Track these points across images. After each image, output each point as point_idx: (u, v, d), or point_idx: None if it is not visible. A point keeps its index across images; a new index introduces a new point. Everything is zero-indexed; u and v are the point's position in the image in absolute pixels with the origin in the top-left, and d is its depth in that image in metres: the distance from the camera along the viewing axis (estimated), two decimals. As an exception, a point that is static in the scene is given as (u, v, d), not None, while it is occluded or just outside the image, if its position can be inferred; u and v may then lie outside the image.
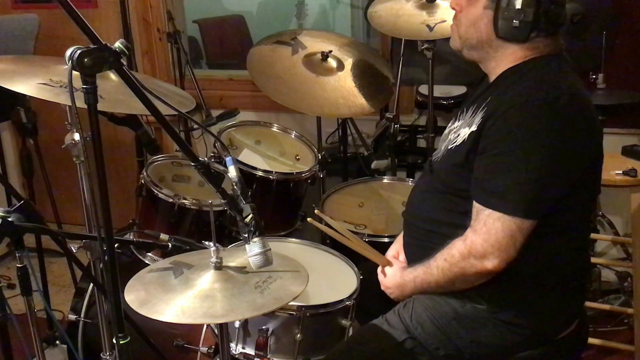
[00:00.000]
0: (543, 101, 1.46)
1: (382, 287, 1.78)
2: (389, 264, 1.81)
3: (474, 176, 1.54)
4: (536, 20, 1.52)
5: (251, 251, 1.38)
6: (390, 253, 1.90)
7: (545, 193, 1.49)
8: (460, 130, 1.64)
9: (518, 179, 1.46)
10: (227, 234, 2.30)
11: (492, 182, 1.49)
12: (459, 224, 1.61)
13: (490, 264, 1.50)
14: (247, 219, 1.38)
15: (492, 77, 1.64)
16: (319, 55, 2.62)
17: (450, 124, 1.76)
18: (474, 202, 1.53)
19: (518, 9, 1.51)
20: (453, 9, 1.66)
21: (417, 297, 1.70)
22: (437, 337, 1.62)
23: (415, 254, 1.75)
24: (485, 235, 1.49)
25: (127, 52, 1.22)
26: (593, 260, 2.73)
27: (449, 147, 1.65)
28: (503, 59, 1.60)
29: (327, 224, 1.95)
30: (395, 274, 1.75)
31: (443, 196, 1.65)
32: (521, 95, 1.49)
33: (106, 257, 1.28)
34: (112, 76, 1.72)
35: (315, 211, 2.15)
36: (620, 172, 2.47)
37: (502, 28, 1.54)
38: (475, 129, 1.56)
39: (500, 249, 1.49)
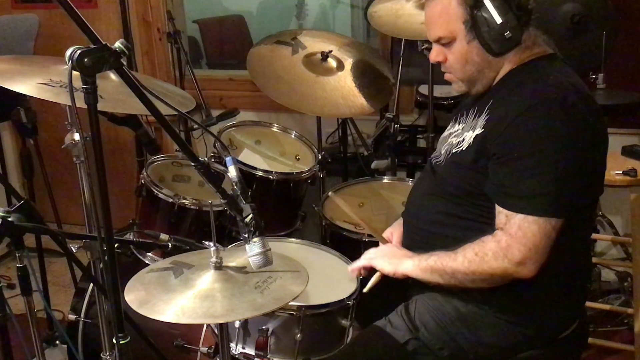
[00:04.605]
0: (553, 101, 1.47)
1: (375, 251, 1.76)
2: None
3: (494, 182, 1.53)
4: (519, 18, 1.53)
5: (251, 251, 1.38)
6: (385, 234, 1.93)
7: (570, 189, 1.49)
8: (463, 134, 1.64)
9: (544, 180, 1.47)
10: (227, 234, 2.30)
11: (518, 187, 1.49)
12: (464, 225, 1.62)
13: (527, 270, 1.50)
14: (247, 219, 1.38)
15: (493, 83, 1.64)
16: (319, 55, 2.62)
17: (449, 127, 1.76)
18: (500, 208, 1.52)
19: (501, 22, 1.51)
20: (437, 62, 1.67)
21: (419, 297, 1.70)
22: (441, 338, 1.62)
23: (417, 255, 1.75)
24: (523, 240, 1.48)
25: (127, 52, 1.22)
26: (593, 260, 2.73)
27: (453, 151, 1.65)
28: (502, 67, 1.61)
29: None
30: (400, 247, 1.75)
31: (448, 198, 1.65)
32: (529, 98, 1.50)
33: (106, 257, 1.28)
34: (112, 76, 1.71)
35: (331, 193, 2.14)
36: (620, 172, 2.47)
37: (497, 46, 1.55)
38: (481, 131, 1.56)
39: (538, 253, 1.49)
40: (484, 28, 1.53)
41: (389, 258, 1.70)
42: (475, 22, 1.54)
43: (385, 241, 1.90)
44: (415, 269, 1.63)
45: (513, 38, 1.53)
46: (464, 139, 1.62)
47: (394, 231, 1.90)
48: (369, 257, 1.75)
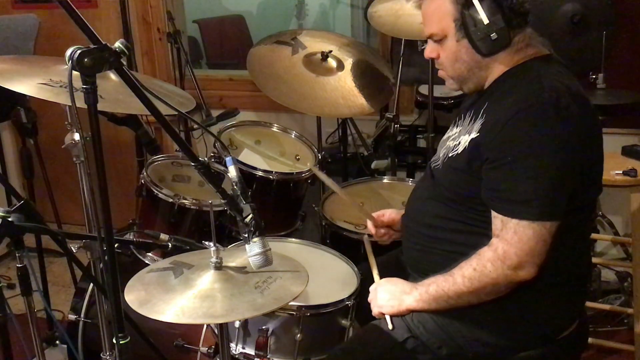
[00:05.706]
0: (547, 103, 1.46)
1: (377, 297, 1.72)
2: (372, 219, 1.91)
3: (489, 187, 1.53)
4: (508, 21, 1.53)
5: (251, 251, 1.39)
6: (378, 213, 1.95)
7: (564, 193, 1.49)
8: (459, 138, 1.64)
9: (538, 184, 1.47)
10: (227, 234, 2.30)
11: (513, 191, 1.49)
12: (461, 229, 1.62)
13: (526, 272, 1.50)
14: (247, 219, 1.38)
15: (487, 85, 1.64)
16: (319, 55, 2.62)
17: (449, 131, 1.76)
18: (496, 213, 1.52)
19: (487, 23, 1.52)
20: (430, 58, 1.68)
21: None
22: (439, 336, 1.62)
23: (416, 259, 1.75)
24: (519, 244, 1.49)
25: (127, 52, 1.22)
26: (593, 260, 2.73)
27: (450, 155, 1.65)
28: (495, 68, 1.61)
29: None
30: (395, 281, 1.74)
31: (446, 202, 1.65)
32: (523, 101, 1.49)
33: (106, 257, 1.28)
34: (112, 76, 1.72)
35: (313, 167, 2.15)
36: (620, 172, 2.47)
37: (484, 46, 1.55)
38: (476, 135, 1.56)
39: (535, 256, 1.49)
40: (472, 28, 1.54)
41: (388, 301, 1.69)
42: (464, 21, 1.54)
43: (373, 219, 1.92)
44: (418, 303, 1.64)
45: (499, 39, 1.53)
46: (459, 143, 1.62)
47: (392, 213, 1.92)
48: (374, 310, 1.73)
